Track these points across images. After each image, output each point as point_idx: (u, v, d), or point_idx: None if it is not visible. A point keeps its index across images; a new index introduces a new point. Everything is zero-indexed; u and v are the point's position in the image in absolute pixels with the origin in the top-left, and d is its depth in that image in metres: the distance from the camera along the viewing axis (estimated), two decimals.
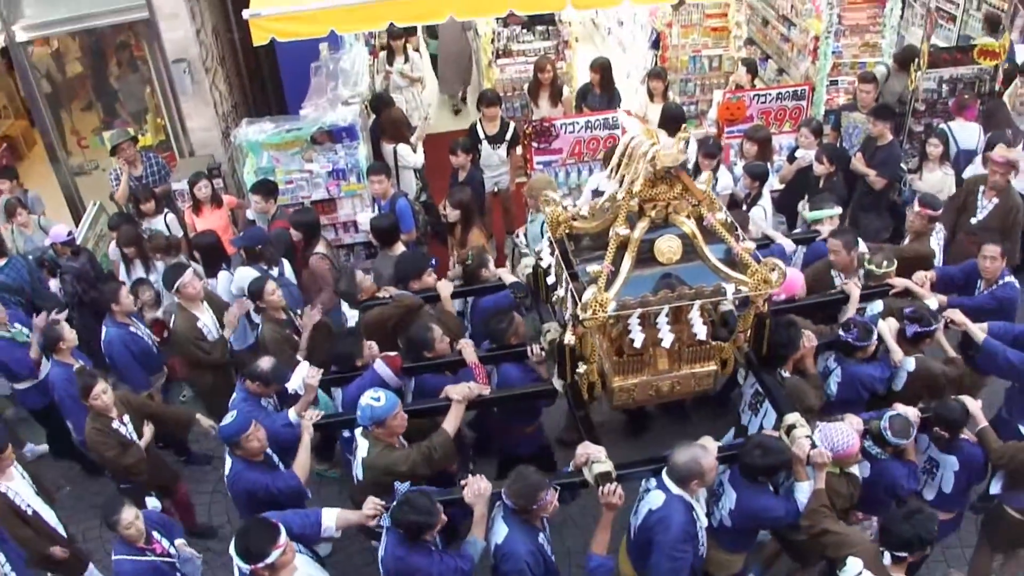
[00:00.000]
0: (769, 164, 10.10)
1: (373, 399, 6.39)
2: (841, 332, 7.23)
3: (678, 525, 5.93)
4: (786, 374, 7.04)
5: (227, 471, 6.64)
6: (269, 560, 5.53)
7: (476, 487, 6.05)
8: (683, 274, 6.07)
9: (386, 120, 11.10)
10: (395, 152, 10.89)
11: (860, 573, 5.65)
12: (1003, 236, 8.85)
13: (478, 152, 10.75)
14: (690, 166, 8.55)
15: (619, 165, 6.17)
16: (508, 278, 8.03)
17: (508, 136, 11.06)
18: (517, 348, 7.39)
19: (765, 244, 8.31)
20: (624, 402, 6.73)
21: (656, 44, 13.33)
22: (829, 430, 6.30)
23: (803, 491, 6.21)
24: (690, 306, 6.09)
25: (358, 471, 6.70)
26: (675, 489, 5.98)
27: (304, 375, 7.11)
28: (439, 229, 10.56)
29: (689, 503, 6.01)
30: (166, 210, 10.28)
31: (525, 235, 9.72)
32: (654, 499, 6.08)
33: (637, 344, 6.17)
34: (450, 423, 6.67)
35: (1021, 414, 7.55)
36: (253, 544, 5.58)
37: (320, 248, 9.22)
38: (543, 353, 7.25)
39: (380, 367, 7.02)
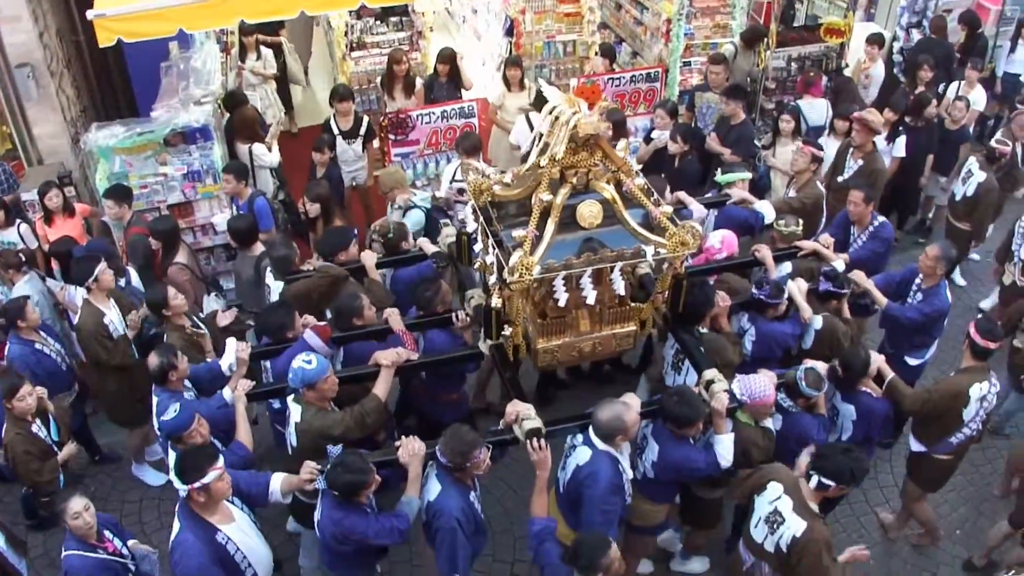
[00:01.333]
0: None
1: (305, 362, 6.49)
2: (754, 290, 7.66)
3: (606, 479, 6.20)
4: (704, 330, 7.39)
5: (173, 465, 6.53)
6: (206, 480, 5.66)
7: (410, 447, 6.21)
8: (604, 238, 6.37)
9: (239, 119, 10.92)
10: (250, 152, 10.73)
11: (779, 497, 6.10)
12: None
13: (333, 147, 10.75)
14: None
15: (542, 134, 6.43)
16: (429, 248, 8.24)
17: (363, 131, 11.09)
18: (443, 315, 7.57)
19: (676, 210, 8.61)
20: (548, 363, 6.97)
21: (510, 31, 13.41)
22: (748, 380, 6.68)
23: (723, 444, 6.55)
24: (612, 268, 6.38)
25: (292, 437, 6.79)
26: (601, 445, 6.24)
27: (236, 349, 7.12)
28: (299, 226, 10.50)
29: (615, 457, 6.27)
30: (18, 221, 9.79)
31: None
32: (581, 455, 6.33)
33: (562, 304, 6.44)
34: (381, 388, 6.80)
35: (909, 348, 8.26)
36: (191, 463, 5.71)
37: (181, 257, 9.07)
38: (468, 319, 7.46)
39: (310, 337, 7.08)
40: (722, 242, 8.19)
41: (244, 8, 9.10)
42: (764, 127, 12.35)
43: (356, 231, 8.74)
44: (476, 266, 7.37)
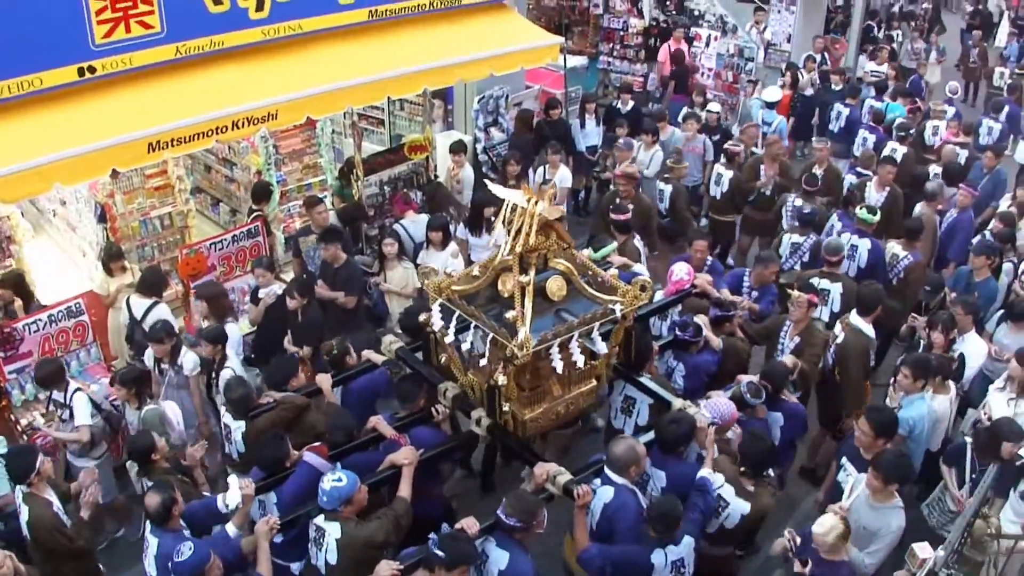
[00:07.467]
0: (232, 316, 10.22)
1: (335, 481, 6.65)
2: (679, 332, 8.68)
3: (632, 508, 6.99)
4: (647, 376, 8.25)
5: None
6: None
7: (467, 523, 6.61)
8: (570, 307, 7.16)
9: None
10: None
11: (721, 485, 7.23)
12: (642, 232, 11.25)
13: None
14: None
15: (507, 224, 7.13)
16: (377, 358, 8.44)
17: None
18: (420, 412, 7.91)
19: None
20: (535, 431, 7.56)
21: (103, 217, 12.27)
22: (713, 404, 7.71)
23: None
24: (589, 330, 7.17)
25: (330, 556, 6.74)
26: (619, 479, 7.01)
27: (240, 486, 6.96)
28: None
29: (633, 489, 7.07)
30: None
31: None
32: (605, 494, 7.04)
33: (559, 370, 7.09)
34: (405, 489, 7.04)
35: None
36: None
37: None
38: (447, 410, 7.86)
39: (311, 458, 7.18)
40: (688, 273, 9.28)
41: None
42: (372, 254, 12.57)
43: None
44: (443, 360, 7.77)
